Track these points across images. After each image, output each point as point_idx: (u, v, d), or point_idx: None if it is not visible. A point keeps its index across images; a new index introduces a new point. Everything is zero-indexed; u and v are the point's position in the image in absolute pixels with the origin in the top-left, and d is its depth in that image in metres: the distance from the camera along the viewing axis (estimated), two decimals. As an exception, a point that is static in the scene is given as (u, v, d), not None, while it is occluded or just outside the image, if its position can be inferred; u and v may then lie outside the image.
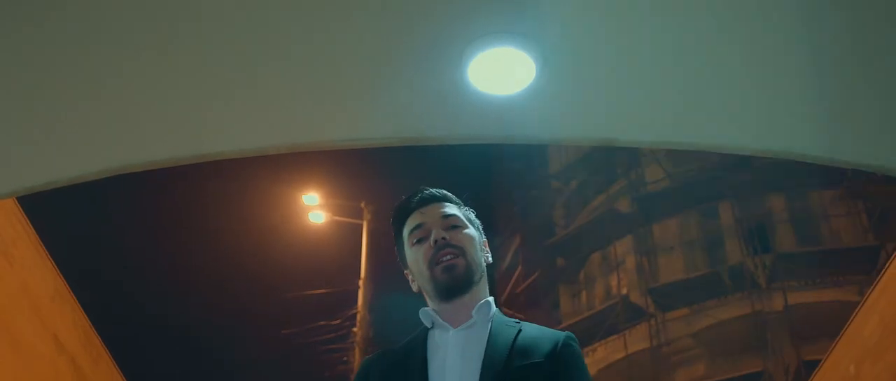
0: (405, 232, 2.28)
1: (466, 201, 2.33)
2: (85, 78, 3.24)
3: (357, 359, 26.86)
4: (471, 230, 2.23)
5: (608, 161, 23.98)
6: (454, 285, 2.14)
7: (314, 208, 25.37)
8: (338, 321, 25.93)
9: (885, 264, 7.71)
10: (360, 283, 25.99)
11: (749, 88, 3.47)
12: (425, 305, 2.27)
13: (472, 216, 2.31)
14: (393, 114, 3.31)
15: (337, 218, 25.68)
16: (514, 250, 26.32)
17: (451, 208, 2.25)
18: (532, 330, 2.16)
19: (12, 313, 7.12)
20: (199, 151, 3.46)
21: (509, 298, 26.20)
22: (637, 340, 20.16)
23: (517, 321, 2.20)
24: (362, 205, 25.71)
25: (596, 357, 21.41)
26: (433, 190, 2.29)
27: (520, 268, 25.23)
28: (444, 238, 2.15)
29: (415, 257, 2.22)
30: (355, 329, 25.82)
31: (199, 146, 3.46)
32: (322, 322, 25.85)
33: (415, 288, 2.28)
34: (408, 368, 2.10)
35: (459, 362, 2.05)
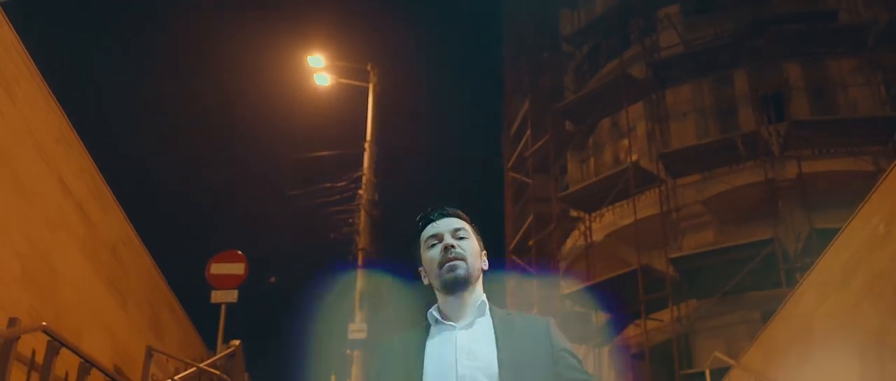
0: (423, 237, 2.79)
1: (472, 221, 2.83)
2: None
3: (362, 221, 26.95)
4: (472, 242, 2.74)
5: (622, 26, 23.40)
6: (455, 282, 2.65)
7: (319, 70, 24.97)
8: (343, 184, 25.88)
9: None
10: (366, 146, 25.83)
11: None
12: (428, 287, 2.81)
13: (475, 233, 2.80)
14: None
15: (343, 81, 25.30)
16: (523, 114, 25.96)
17: (459, 223, 2.77)
18: (520, 317, 2.73)
19: (15, 152, 6.84)
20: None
21: (517, 162, 26.00)
22: (646, 205, 20.02)
23: (508, 311, 2.75)
24: (368, 68, 25.28)
25: (603, 222, 21.34)
26: (449, 209, 2.82)
27: (528, 132, 24.92)
28: (451, 245, 2.69)
29: (428, 257, 2.74)
30: (360, 192, 25.77)
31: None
32: (327, 185, 25.82)
33: (425, 282, 2.79)
34: (408, 356, 2.64)
35: (467, 355, 2.57)
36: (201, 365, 10.64)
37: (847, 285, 8.40)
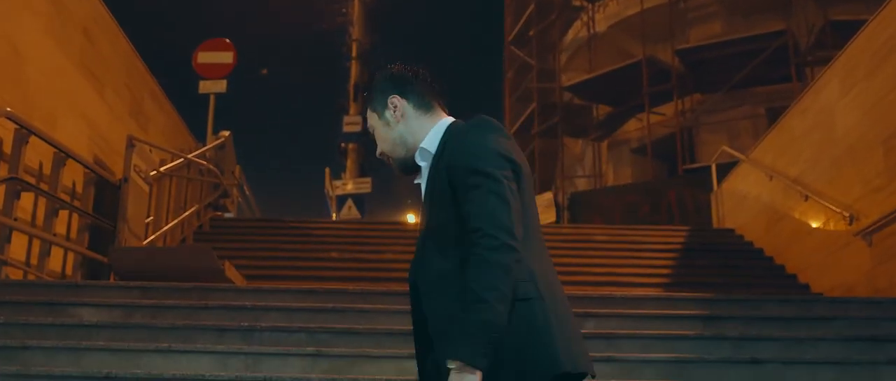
0: None
1: (379, 85, 2.59)
2: None
3: (356, 10, 26.02)
4: (384, 130, 2.57)
5: None
6: (401, 173, 2.62)
7: None
8: (335, -30, 24.80)
9: None
10: (359, -71, 24.57)
11: None
12: None
13: (380, 104, 2.56)
14: None
15: None
16: None
17: (369, 120, 2.62)
18: (442, 157, 2.44)
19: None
20: None
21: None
22: (653, -6, 19.18)
23: (443, 150, 2.44)
24: None
25: (607, 12, 20.55)
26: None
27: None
28: (378, 155, 2.61)
29: None
30: (354, -22, 24.74)
31: None
32: (319, -29, 24.75)
33: None
34: None
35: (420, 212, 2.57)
36: (189, 156, 10.18)
37: (875, 74, 7.84)
